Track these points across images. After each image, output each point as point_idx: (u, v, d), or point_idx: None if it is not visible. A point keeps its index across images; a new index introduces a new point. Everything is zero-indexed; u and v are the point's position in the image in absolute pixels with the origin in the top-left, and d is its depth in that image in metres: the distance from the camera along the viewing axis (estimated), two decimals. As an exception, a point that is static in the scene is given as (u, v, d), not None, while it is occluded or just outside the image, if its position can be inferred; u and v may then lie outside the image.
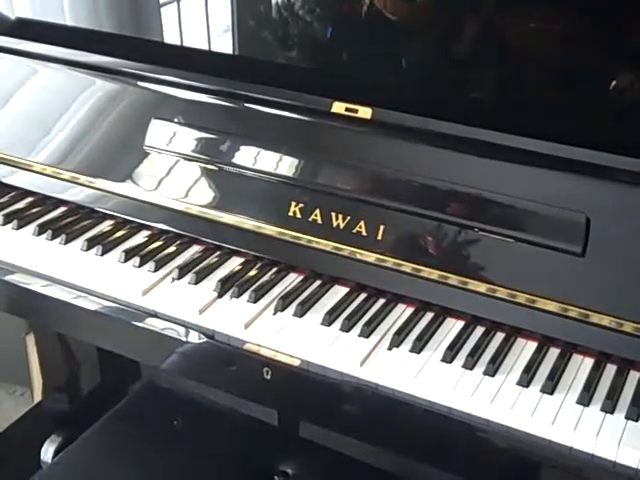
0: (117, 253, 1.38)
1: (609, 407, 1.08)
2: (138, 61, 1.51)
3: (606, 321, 1.16)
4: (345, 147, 1.36)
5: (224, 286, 1.30)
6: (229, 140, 1.42)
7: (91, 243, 1.40)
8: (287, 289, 1.31)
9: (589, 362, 1.17)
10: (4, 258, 1.40)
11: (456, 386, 1.12)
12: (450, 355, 1.17)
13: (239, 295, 1.29)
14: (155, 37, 1.60)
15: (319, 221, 1.33)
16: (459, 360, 1.17)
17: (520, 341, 1.21)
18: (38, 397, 2.07)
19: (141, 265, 1.36)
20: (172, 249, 1.41)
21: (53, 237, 1.43)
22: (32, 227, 1.45)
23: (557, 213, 1.20)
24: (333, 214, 1.32)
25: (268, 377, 1.20)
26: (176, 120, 1.46)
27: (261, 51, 1.52)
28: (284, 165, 1.37)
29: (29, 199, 1.56)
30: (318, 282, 1.33)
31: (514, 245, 1.22)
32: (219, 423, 1.67)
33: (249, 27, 1.53)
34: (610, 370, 1.16)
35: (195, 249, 1.41)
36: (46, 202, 1.54)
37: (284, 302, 1.27)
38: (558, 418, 1.07)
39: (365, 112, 1.34)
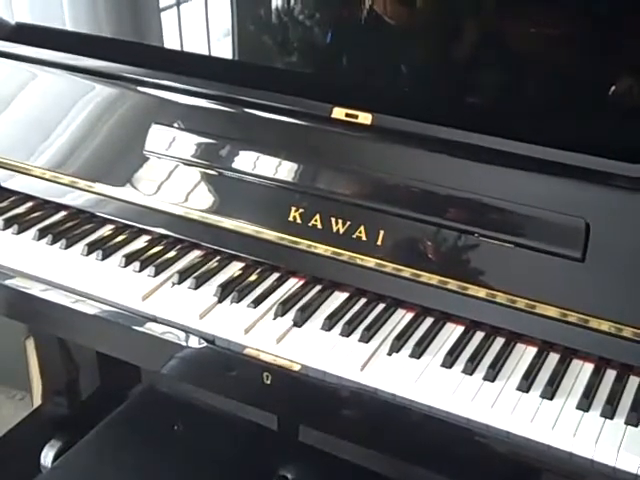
0: (117, 258, 1.38)
1: (609, 412, 1.08)
2: (138, 66, 1.51)
3: (606, 326, 1.16)
4: (345, 152, 1.37)
5: (224, 291, 1.30)
6: (229, 145, 1.42)
7: (91, 248, 1.41)
8: (287, 294, 1.31)
9: (589, 367, 1.17)
10: (4, 262, 1.40)
11: (456, 391, 1.12)
12: (450, 360, 1.17)
13: (239, 300, 1.29)
14: (155, 42, 1.60)
15: (319, 226, 1.33)
16: (459, 365, 1.17)
17: (520, 346, 1.21)
18: (38, 401, 2.07)
19: (141, 270, 1.36)
20: (172, 254, 1.41)
21: (53, 242, 1.43)
22: (32, 232, 1.45)
23: (557, 219, 1.20)
24: (333, 219, 1.32)
25: (268, 382, 1.20)
26: (176, 125, 1.46)
27: (261, 56, 1.52)
28: (284, 170, 1.37)
29: (29, 204, 1.56)
30: (318, 287, 1.33)
31: (514, 250, 1.22)
32: (219, 427, 1.67)
33: (249, 32, 1.53)
34: (610, 375, 1.16)
35: (195, 254, 1.41)
36: (46, 207, 1.54)
37: (284, 307, 1.27)
38: (558, 423, 1.07)
39: (365, 118, 1.34)
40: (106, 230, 1.48)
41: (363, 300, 1.30)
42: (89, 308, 1.32)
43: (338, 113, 1.36)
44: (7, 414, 2.21)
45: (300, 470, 1.56)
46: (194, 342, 1.24)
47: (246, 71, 1.50)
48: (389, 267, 1.28)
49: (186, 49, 1.56)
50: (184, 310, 1.27)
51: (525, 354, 1.20)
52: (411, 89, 1.38)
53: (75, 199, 1.52)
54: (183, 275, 1.34)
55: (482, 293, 1.23)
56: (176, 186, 1.45)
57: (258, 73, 1.48)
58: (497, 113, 1.31)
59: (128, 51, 1.56)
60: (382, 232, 1.29)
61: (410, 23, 1.38)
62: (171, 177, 1.46)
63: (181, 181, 1.44)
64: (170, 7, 1.57)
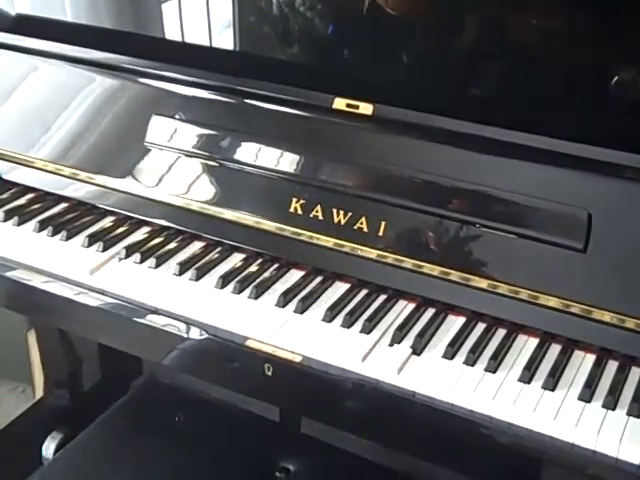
0: (118, 249, 1.38)
1: (611, 403, 1.08)
2: (139, 57, 1.51)
3: (608, 317, 1.16)
4: (346, 143, 1.36)
5: (225, 282, 1.30)
6: (230, 136, 1.42)
7: (92, 239, 1.40)
8: (288, 285, 1.31)
9: (591, 358, 1.17)
10: (5, 254, 1.40)
11: (458, 382, 1.12)
12: (451, 351, 1.17)
13: (240, 291, 1.29)
14: (156, 33, 1.60)
15: (320, 217, 1.32)
16: (460, 356, 1.17)
17: (522, 337, 1.21)
18: (39, 393, 2.07)
19: (142, 261, 1.36)
20: (173, 245, 1.41)
21: (54, 233, 1.43)
22: (33, 223, 1.45)
23: (559, 209, 1.20)
24: (334, 210, 1.32)
25: (269, 373, 1.19)
26: (177, 116, 1.46)
27: (262, 47, 1.52)
28: (285, 161, 1.37)
29: (30, 195, 1.56)
30: (319, 278, 1.33)
31: (516, 241, 1.22)
32: (220, 419, 1.67)
33: (250, 23, 1.53)
34: (612, 366, 1.15)
35: (196, 245, 1.41)
36: (47, 198, 1.54)
37: (285, 298, 1.27)
38: (560, 414, 1.07)
39: (366, 108, 1.34)
40: (107, 222, 1.47)
41: (364, 291, 1.30)
42: (90, 300, 1.32)
43: (339, 104, 1.35)
44: (8, 406, 2.21)
45: (302, 462, 1.57)
46: (195, 334, 1.24)
47: (247, 62, 1.50)
48: (390, 258, 1.28)
49: (187, 40, 1.56)
50: (185, 301, 1.27)
51: (527, 345, 1.20)
52: (412, 80, 1.37)
53: (76, 191, 1.52)
54: (184, 266, 1.33)
55: (484, 284, 1.23)
56: (177, 177, 1.44)
57: (259, 64, 1.48)
58: (499, 103, 1.31)
59: (129, 42, 1.56)
60: (384, 223, 1.29)
61: (411, 14, 1.37)
62: (172, 168, 1.45)
63: (182, 172, 1.44)
64: (171, -2, 1.57)
